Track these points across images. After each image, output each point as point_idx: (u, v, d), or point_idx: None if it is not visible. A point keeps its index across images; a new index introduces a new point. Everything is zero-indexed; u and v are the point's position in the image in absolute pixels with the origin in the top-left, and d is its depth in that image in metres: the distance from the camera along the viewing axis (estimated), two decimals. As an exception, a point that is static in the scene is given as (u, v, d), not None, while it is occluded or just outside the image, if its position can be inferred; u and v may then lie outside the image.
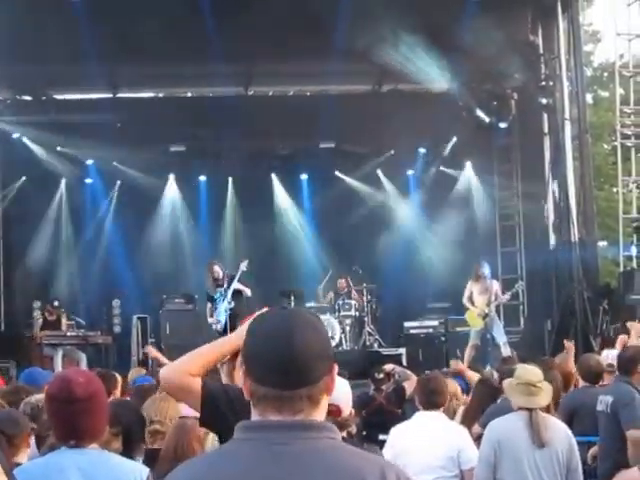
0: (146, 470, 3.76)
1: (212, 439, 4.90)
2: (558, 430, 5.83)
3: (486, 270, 15.68)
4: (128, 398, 8.01)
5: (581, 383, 8.11)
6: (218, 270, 15.33)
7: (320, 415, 2.17)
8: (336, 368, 2.22)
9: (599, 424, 7.27)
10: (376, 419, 9.20)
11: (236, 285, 15.05)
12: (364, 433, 8.74)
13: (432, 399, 6.58)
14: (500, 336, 15.51)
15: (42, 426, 5.38)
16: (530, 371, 6.03)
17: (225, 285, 15.13)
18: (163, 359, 10.47)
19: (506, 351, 15.17)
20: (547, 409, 5.98)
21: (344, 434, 4.80)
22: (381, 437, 7.97)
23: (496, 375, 8.95)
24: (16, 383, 8.10)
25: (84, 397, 3.63)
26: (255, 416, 2.17)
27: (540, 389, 5.84)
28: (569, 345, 10.28)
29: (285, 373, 2.11)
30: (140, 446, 4.73)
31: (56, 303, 16.50)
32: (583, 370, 8.10)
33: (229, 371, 3.70)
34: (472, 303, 15.58)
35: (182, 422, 5.77)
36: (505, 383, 6.21)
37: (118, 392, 7.85)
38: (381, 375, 10.74)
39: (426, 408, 6.60)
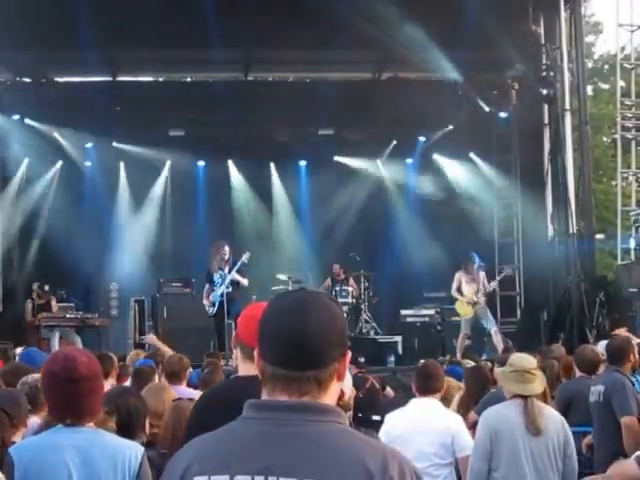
0: (141, 449, 3.78)
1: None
2: (553, 418, 5.83)
3: (475, 261, 15.73)
4: (127, 381, 8.06)
5: (578, 373, 8.13)
6: (227, 251, 15.25)
7: (328, 399, 2.17)
8: (349, 355, 2.22)
9: (593, 415, 7.31)
10: (369, 399, 9.24)
11: (234, 276, 15.04)
12: (360, 415, 8.77)
13: (429, 384, 6.58)
14: (490, 324, 15.57)
15: (39, 405, 5.39)
16: (524, 359, 6.02)
17: (226, 270, 15.11)
18: (162, 346, 10.52)
19: (497, 339, 15.25)
20: (544, 398, 5.99)
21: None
22: (374, 417, 7.99)
23: (490, 365, 8.99)
24: (16, 363, 8.09)
25: (88, 376, 3.66)
26: (264, 395, 2.18)
27: (535, 376, 5.84)
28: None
29: (293, 354, 2.12)
30: (140, 434, 4.75)
31: (46, 287, 16.50)
32: (579, 361, 8.13)
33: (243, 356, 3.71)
34: (461, 294, 15.68)
35: (178, 404, 5.82)
36: (498, 371, 6.22)
37: (115, 374, 7.88)
38: (362, 359, 10.91)
39: (422, 393, 6.60)
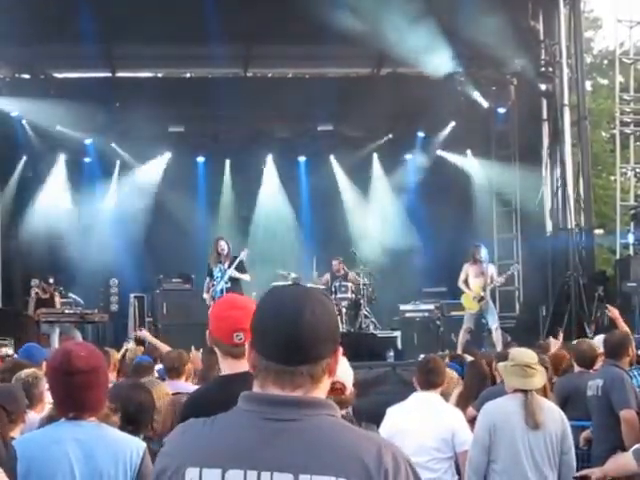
0: (143, 445, 3.77)
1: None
2: (552, 413, 5.84)
3: (483, 253, 15.62)
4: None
5: (576, 368, 8.15)
6: (223, 246, 15.30)
7: (320, 393, 2.17)
8: (340, 351, 2.22)
9: (590, 409, 7.33)
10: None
11: (233, 273, 15.06)
12: None
13: (430, 379, 6.58)
14: (493, 321, 15.50)
15: (34, 400, 5.43)
16: (525, 353, 6.03)
17: (226, 265, 15.14)
18: (155, 341, 10.56)
19: (497, 336, 15.22)
20: (544, 392, 6.01)
21: (343, 412, 4.84)
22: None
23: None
24: (14, 359, 8.12)
25: (85, 370, 3.63)
26: (255, 387, 2.18)
27: (535, 371, 5.84)
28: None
29: (287, 349, 2.12)
30: (146, 430, 4.77)
31: (50, 280, 16.50)
32: (577, 355, 8.15)
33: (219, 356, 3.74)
34: (467, 286, 15.56)
35: (176, 398, 5.85)
36: (500, 366, 6.24)
37: (113, 368, 7.90)
38: None
39: (423, 388, 6.60)
